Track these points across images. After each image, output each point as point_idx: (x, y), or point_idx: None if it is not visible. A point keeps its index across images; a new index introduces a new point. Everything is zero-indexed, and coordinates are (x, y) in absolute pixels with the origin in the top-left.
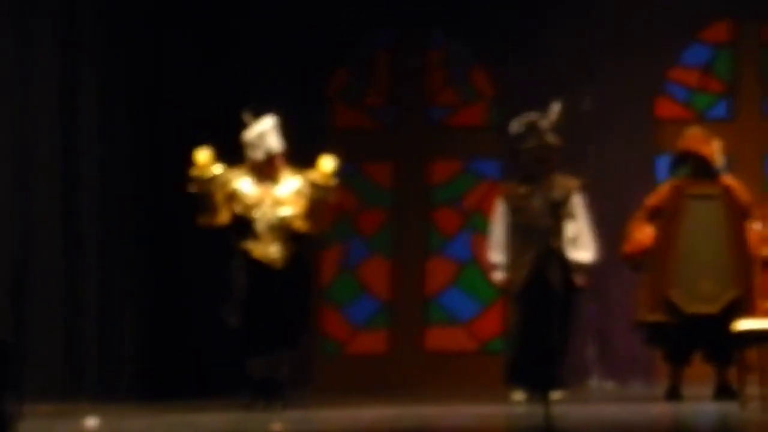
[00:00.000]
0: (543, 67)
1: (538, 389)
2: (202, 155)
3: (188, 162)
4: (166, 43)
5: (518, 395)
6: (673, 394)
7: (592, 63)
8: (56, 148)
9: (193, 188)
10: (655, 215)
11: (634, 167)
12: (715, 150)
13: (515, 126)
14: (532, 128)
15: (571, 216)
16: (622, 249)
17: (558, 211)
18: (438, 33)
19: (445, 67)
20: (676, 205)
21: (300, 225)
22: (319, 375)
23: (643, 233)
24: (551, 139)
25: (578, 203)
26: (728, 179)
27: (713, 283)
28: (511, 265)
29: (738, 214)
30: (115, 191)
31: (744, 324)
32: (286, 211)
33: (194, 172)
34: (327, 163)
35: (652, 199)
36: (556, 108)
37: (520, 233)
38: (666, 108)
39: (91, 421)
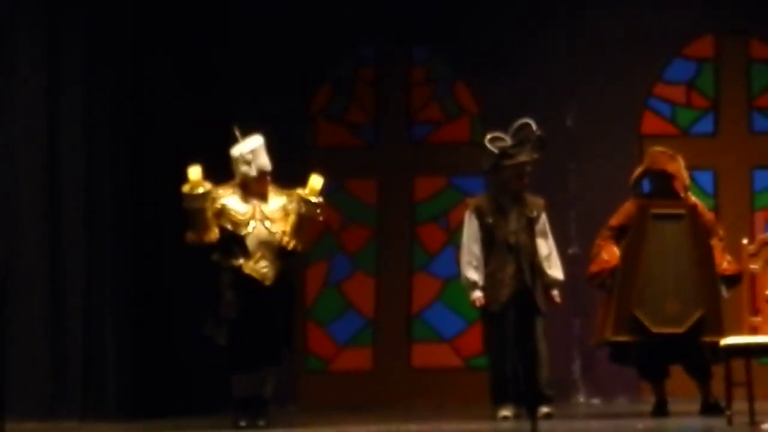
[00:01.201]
0: (526, 83)
1: (525, 405)
2: (194, 171)
3: (171, 180)
4: (149, 62)
5: (505, 412)
6: (660, 410)
7: (576, 79)
8: (40, 163)
9: (185, 204)
10: (620, 234)
11: (617, 184)
12: (679, 168)
13: (501, 141)
14: (519, 143)
15: (542, 234)
16: (588, 269)
17: (533, 229)
18: (420, 50)
19: (428, 83)
20: (641, 224)
21: (288, 242)
22: (304, 392)
23: (609, 253)
24: (534, 153)
25: (546, 221)
26: (691, 198)
27: (679, 303)
28: (490, 284)
29: (703, 233)
30: (99, 209)
31: (730, 340)
32: (277, 228)
33: (186, 189)
34: (317, 180)
35: (617, 219)
36: (532, 124)
37: (498, 250)
38: (651, 124)
39: None
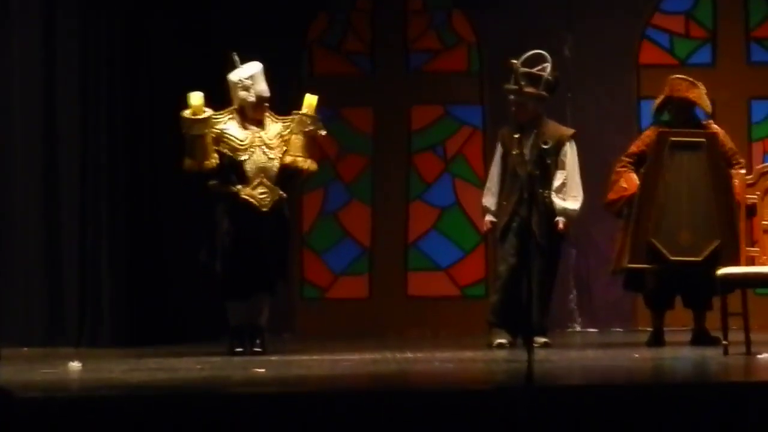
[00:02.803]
0: (524, 12)
1: (521, 335)
2: (196, 97)
3: (164, 110)
4: None
5: (500, 339)
6: (656, 340)
7: (574, 9)
8: (36, 95)
9: (185, 130)
10: (640, 162)
11: (616, 114)
12: (701, 94)
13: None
14: (511, 71)
15: (560, 164)
16: (606, 196)
17: (545, 160)
18: None
19: (425, 12)
20: (659, 152)
21: (304, 162)
22: (300, 320)
23: (627, 180)
24: (525, 84)
25: (570, 152)
26: (713, 126)
27: (692, 233)
28: (498, 211)
29: (723, 162)
30: (94, 141)
31: (726, 270)
32: (275, 155)
33: (187, 114)
34: (311, 98)
35: (637, 145)
36: (543, 60)
37: (508, 179)
38: (649, 54)
39: (74, 365)
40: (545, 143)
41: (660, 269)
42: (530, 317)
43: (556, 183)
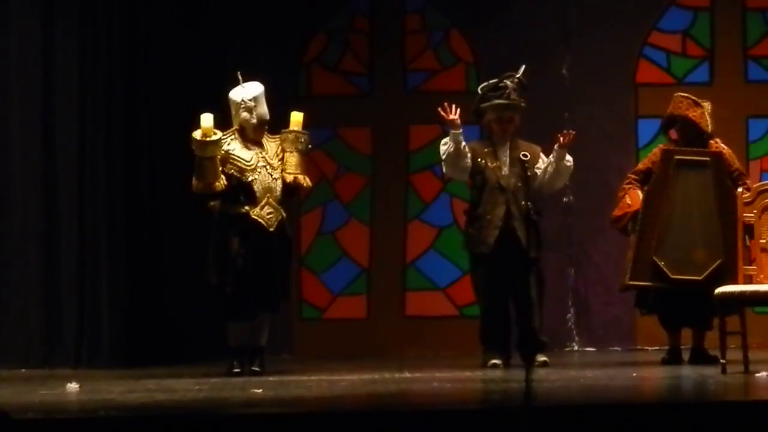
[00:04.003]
0: (522, 31)
1: (521, 353)
2: (206, 119)
3: (164, 126)
4: (142, 8)
5: (494, 360)
6: (674, 358)
7: (571, 27)
8: (34, 122)
9: (196, 152)
10: (646, 179)
11: (613, 133)
12: (703, 114)
13: (484, 84)
14: (498, 87)
15: (540, 166)
16: (612, 213)
17: (526, 172)
18: None
19: (423, 32)
20: (664, 170)
21: (303, 179)
22: (299, 340)
23: (632, 197)
24: (515, 98)
25: (544, 159)
26: (718, 144)
27: (702, 251)
28: (480, 226)
29: (727, 180)
30: (93, 156)
31: (725, 288)
32: (278, 174)
33: (198, 136)
34: (298, 114)
35: (644, 163)
36: (522, 68)
37: (489, 192)
38: (646, 73)
39: (73, 386)
40: (524, 155)
41: (662, 289)
42: (529, 333)
43: (541, 167)
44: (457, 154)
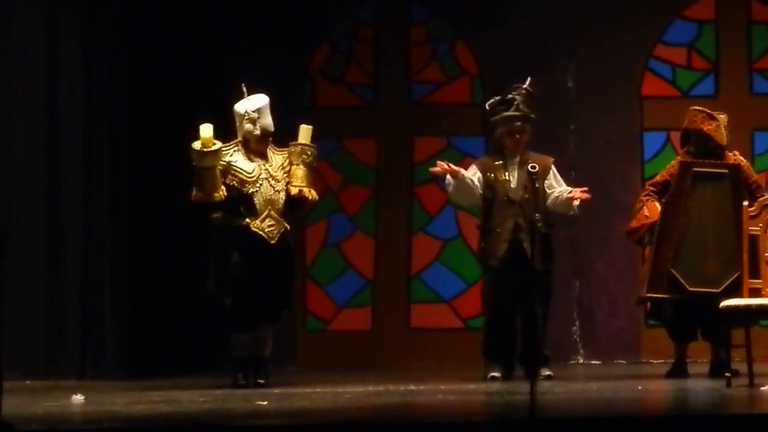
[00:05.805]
0: (527, 43)
1: (525, 366)
2: (206, 129)
3: (167, 137)
4: (146, 19)
5: (494, 372)
6: (678, 371)
7: (576, 39)
8: (39, 117)
9: (195, 162)
10: (663, 191)
11: (619, 146)
12: (718, 126)
13: (492, 100)
14: (506, 100)
15: (550, 187)
16: (629, 224)
17: (535, 184)
18: (419, 10)
19: (428, 44)
20: (681, 182)
21: (309, 192)
22: (303, 352)
23: (650, 209)
24: (525, 109)
25: (557, 174)
26: (737, 156)
27: (717, 263)
28: (490, 239)
29: (744, 193)
30: (97, 167)
31: (730, 302)
32: (281, 187)
33: (197, 146)
34: (306, 128)
35: (662, 175)
36: (528, 80)
37: (499, 205)
38: (651, 86)
39: (77, 398)
40: (533, 167)
41: (678, 299)
42: (534, 347)
43: (558, 190)
44: (464, 192)
